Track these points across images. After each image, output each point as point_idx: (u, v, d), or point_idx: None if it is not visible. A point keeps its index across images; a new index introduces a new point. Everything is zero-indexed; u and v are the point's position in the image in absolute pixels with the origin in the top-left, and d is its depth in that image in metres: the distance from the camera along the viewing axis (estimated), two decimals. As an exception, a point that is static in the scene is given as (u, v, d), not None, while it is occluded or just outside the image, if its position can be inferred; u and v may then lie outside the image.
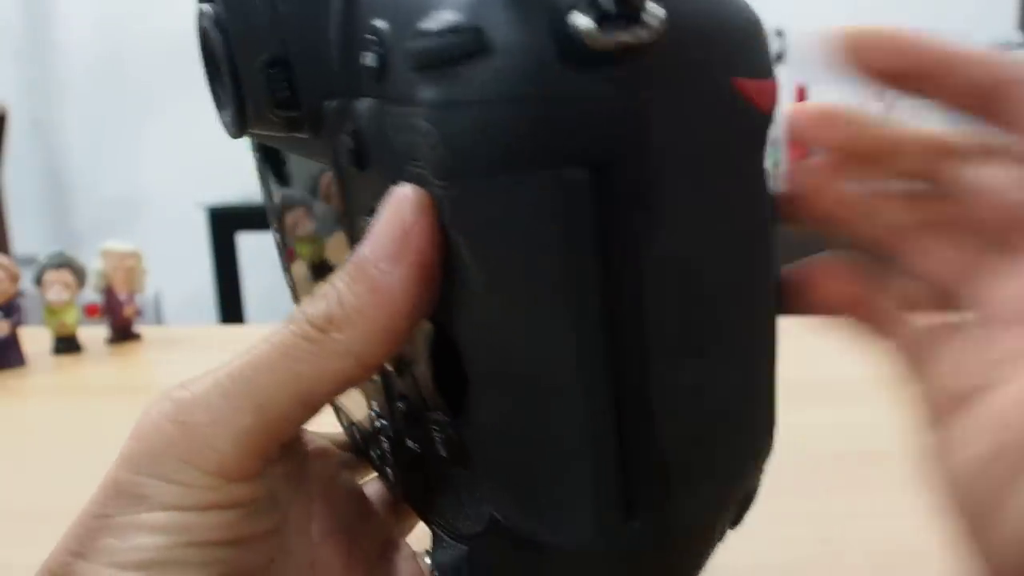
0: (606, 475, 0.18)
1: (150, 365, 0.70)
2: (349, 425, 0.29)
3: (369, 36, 0.18)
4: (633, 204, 0.16)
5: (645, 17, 0.15)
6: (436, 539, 0.23)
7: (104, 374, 0.67)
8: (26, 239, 1.94)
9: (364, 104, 0.18)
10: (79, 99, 2.12)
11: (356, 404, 0.27)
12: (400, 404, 0.22)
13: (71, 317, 0.70)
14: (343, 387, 0.20)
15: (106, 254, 0.73)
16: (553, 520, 0.19)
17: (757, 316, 0.19)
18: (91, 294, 0.74)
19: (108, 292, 0.72)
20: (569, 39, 0.15)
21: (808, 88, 1.87)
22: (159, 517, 0.19)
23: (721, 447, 0.19)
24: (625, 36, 0.15)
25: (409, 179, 0.17)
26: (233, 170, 1.89)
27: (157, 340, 0.75)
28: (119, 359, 0.70)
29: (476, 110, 0.15)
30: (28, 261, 0.84)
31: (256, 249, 1.87)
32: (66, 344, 0.70)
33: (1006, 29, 1.78)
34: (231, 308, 1.63)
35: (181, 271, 1.76)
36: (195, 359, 0.72)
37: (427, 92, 0.16)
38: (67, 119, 2.14)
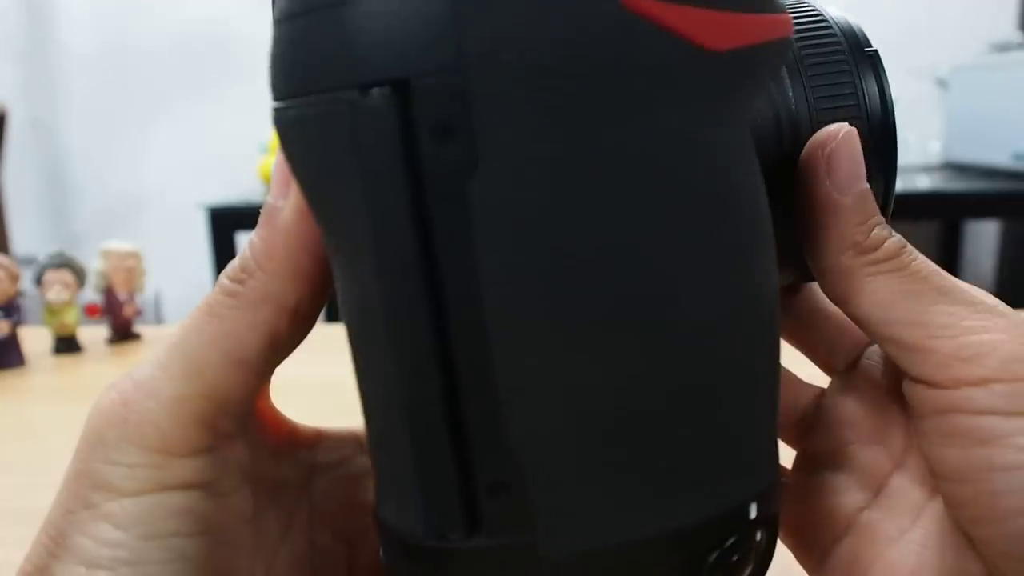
0: (432, 463, 0.15)
1: (150, 365, 0.70)
2: None
3: None
4: (449, 133, 0.13)
5: None
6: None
7: (104, 374, 0.67)
8: (26, 239, 1.94)
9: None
10: (79, 99, 2.12)
11: None
12: None
13: (71, 317, 0.70)
14: (271, 338, 0.19)
15: (106, 254, 0.73)
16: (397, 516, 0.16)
17: (699, 316, 0.15)
18: (91, 294, 0.74)
19: (108, 292, 0.72)
20: None
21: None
22: (116, 506, 0.19)
23: (632, 455, 0.15)
24: None
25: None
26: (233, 170, 1.90)
27: (157, 340, 0.75)
28: (119, 359, 0.70)
29: (287, 28, 0.14)
30: (28, 261, 0.84)
31: (256, 249, 1.87)
32: (66, 344, 0.70)
33: (1006, 29, 1.78)
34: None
35: (181, 271, 1.76)
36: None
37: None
38: (67, 119, 2.14)
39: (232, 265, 0.19)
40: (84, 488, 0.19)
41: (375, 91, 0.13)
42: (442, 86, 0.12)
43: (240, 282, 0.19)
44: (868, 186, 0.21)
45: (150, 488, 0.19)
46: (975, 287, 0.21)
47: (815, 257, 0.21)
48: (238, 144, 1.82)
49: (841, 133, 0.21)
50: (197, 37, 2.03)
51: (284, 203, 0.19)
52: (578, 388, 0.14)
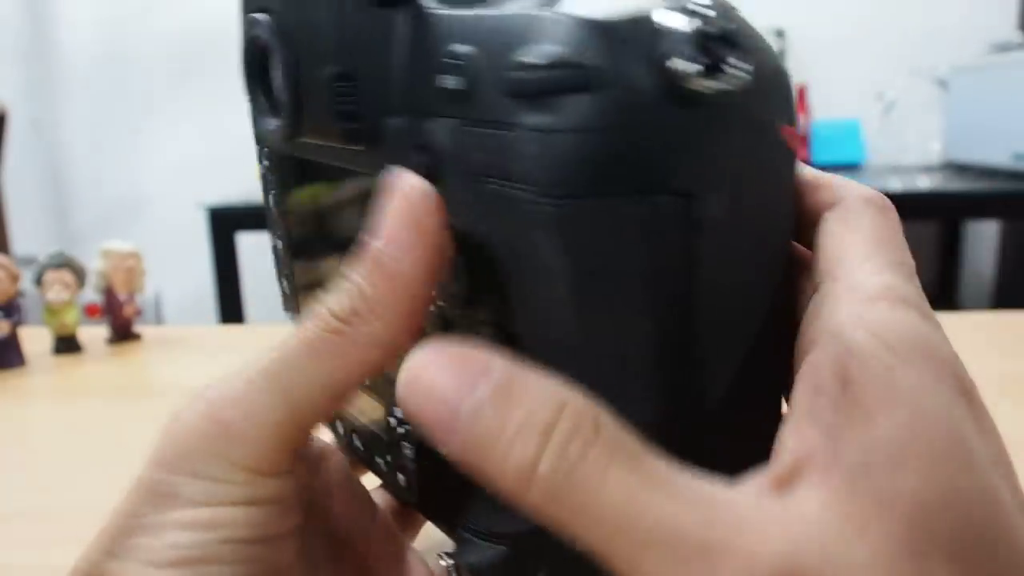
0: None
1: (150, 365, 0.70)
2: (346, 433, 0.29)
3: (450, 60, 0.19)
4: (706, 230, 0.18)
5: (731, 69, 0.17)
6: (465, 543, 0.23)
7: (104, 374, 0.67)
8: (26, 239, 1.94)
9: (439, 123, 0.19)
10: (79, 99, 2.12)
11: (361, 411, 0.27)
12: None
13: (71, 317, 0.70)
14: (369, 376, 0.20)
15: (106, 254, 0.73)
16: None
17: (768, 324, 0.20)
18: (91, 294, 0.74)
19: (108, 292, 0.72)
20: (668, 80, 0.17)
21: (808, 88, 1.87)
22: (192, 514, 0.19)
23: None
24: (717, 84, 0.17)
25: (487, 194, 0.18)
26: (233, 170, 1.89)
27: (157, 340, 0.75)
28: (119, 359, 0.70)
29: (579, 138, 0.17)
30: (28, 261, 0.84)
31: (256, 249, 1.87)
32: (66, 344, 0.70)
33: (1006, 29, 1.78)
34: (231, 308, 1.63)
35: (181, 271, 1.76)
36: (195, 359, 0.73)
37: (532, 118, 0.17)
38: (67, 119, 2.14)
39: (339, 304, 0.20)
40: (157, 495, 0.19)
41: (666, 198, 0.17)
42: (714, 199, 0.18)
43: (348, 323, 0.19)
44: (478, 396, 0.16)
45: (234, 502, 0.19)
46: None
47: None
48: (238, 144, 1.82)
49: (407, 378, 0.17)
50: (197, 38, 2.03)
51: (406, 257, 0.19)
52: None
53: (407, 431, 0.25)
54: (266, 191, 0.30)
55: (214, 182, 1.76)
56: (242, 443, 0.19)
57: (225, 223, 1.61)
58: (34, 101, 2.11)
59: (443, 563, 0.25)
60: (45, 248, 0.74)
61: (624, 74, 0.17)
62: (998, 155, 1.47)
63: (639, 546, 0.15)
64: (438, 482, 0.24)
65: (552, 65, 0.17)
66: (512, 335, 0.20)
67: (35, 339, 0.70)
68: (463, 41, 0.19)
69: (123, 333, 0.73)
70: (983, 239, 1.97)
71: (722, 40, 0.17)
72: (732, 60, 0.17)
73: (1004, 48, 1.61)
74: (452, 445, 0.16)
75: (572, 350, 0.19)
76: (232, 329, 1.12)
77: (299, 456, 0.21)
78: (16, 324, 0.67)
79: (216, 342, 0.77)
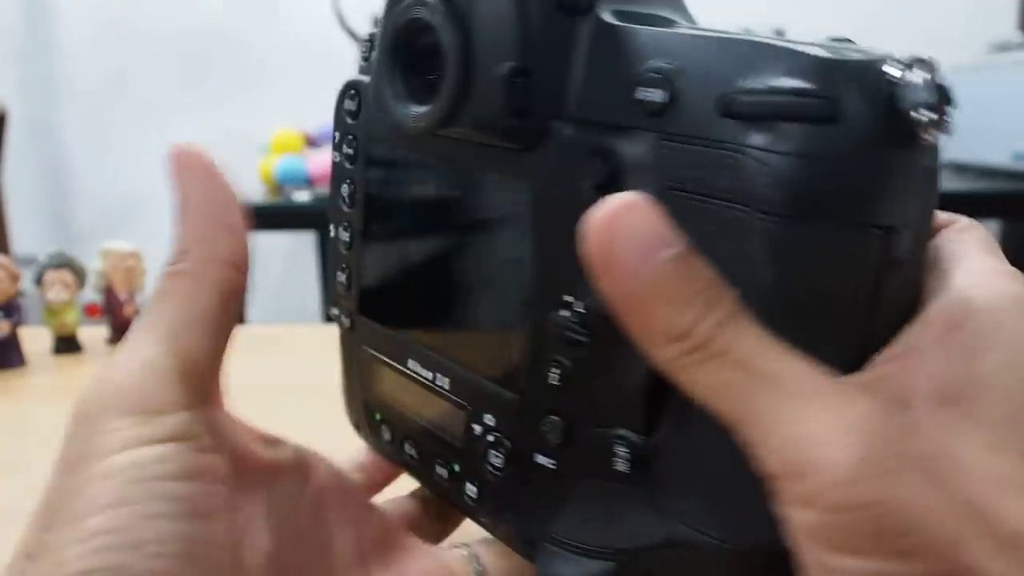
0: None
1: (150, 365, 0.70)
2: (395, 439, 0.30)
3: (653, 75, 0.20)
4: (894, 263, 0.19)
5: (947, 120, 0.18)
6: (553, 555, 0.24)
7: (104, 374, 0.67)
8: (26, 239, 1.94)
9: (631, 135, 0.20)
10: (79, 99, 2.12)
11: (428, 418, 0.28)
12: (554, 420, 0.23)
13: (71, 317, 0.70)
14: (221, 294, 0.22)
15: (106, 254, 0.73)
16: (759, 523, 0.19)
17: None
18: (91, 294, 0.74)
19: (108, 292, 0.72)
20: (900, 123, 0.18)
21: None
22: (106, 464, 0.20)
23: None
24: (938, 133, 0.18)
25: (689, 207, 0.19)
26: (233, 170, 1.89)
27: (157, 340, 0.74)
28: (119, 359, 0.70)
29: (810, 164, 0.18)
30: (28, 261, 0.84)
31: (256, 249, 1.87)
32: (66, 344, 0.70)
33: (1006, 29, 1.78)
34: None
35: (181, 271, 1.76)
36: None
37: (762, 140, 0.18)
38: (67, 119, 2.14)
39: (169, 258, 0.23)
40: (72, 463, 0.20)
41: (874, 230, 0.19)
42: (907, 236, 0.19)
43: (180, 262, 0.23)
44: (666, 256, 0.18)
45: (135, 443, 0.20)
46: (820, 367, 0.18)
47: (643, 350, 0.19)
48: (238, 144, 1.82)
49: (610, 212, 0.18)
50: (197, 37, 2.03)
51: (184, 195, 0.23)
52: None
53: (497, 439, 0.25)
54: (340, 179, 0.30)
55: (214, 182, 1.76)
56: (131, 387, 0.21)
57: (225, 223, 1.60)
58: (34, 101, 2.11)
59: (464, 553, 0.27)
60: (45, 248, 0.74)
61: (859, 111, 0.18)
62: (998, 155, 1.47)
63: (771, 403, 0.17)
64: (526, 492, 0.25)
65: (790, 93, 0.18)
66: None
67: (35, 339, 0.70)
68: (668, 58, 0.20)
69: (123, 333, 0.73)
70: (983, 239, 1.97)
71: (944, 92, 0.18)
72: (948, 112, 0.18)
73: (1004, 48, 1.61)
74: (625, 284, 0.18)
75: None
76: (232, 329, 1.12)
77: (200, 395, 0.22)
78: (16, 324, 0.67)
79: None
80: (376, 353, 0.30)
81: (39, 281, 0.71)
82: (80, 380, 0.65)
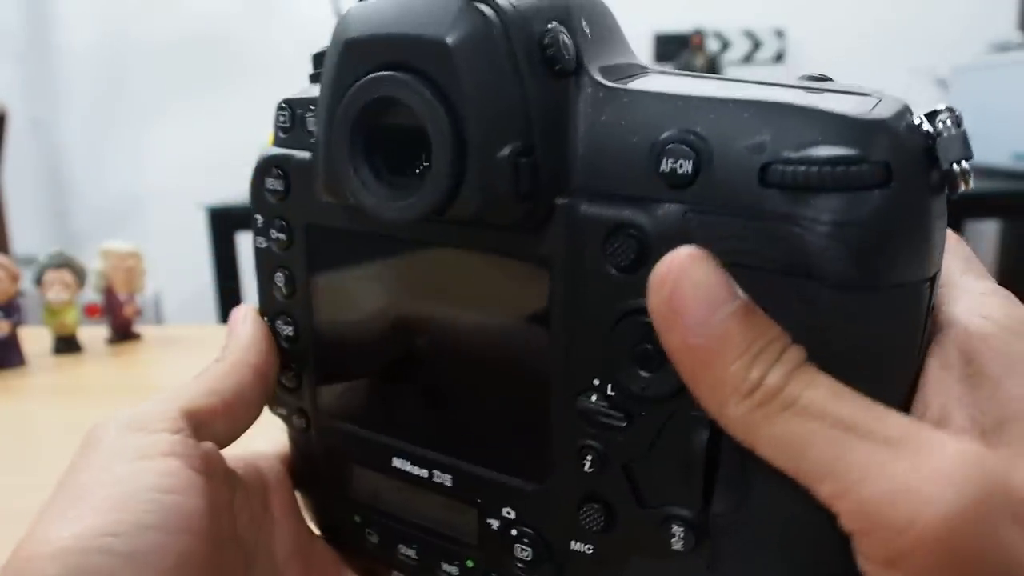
0: None
1: (150, 365, 0.70)
2: (385, 540, 0.27)
3: (676, 145, 0.18)
4: (932, 305, 0.20)
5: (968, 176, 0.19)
6: None
7: (104, 374, 0.67)
8: (26, 239, 1.94)
9: (655, 207, 0.19)
10: (79, 99, 2.12)
11: (432, 517, 0.26)
12: (594, 507, 0.22)
13: (71, 317, 0.70)
14: (237, 385, 0.26)
15: (106, 254, 0.73)
16: None
17: None
18: (91, 294, 0.74)
19: (108, 292, 0.72)
20: (942, 175, 0.18)
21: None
22: (113, 471, 0.22)
23: None
24: (969, 177, 0.19)
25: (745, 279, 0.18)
26: (233, 170, 1.89)
27: (157, 340, 0.75)
28: (119, 359, 0.70)
29: (877, 232, 0.17)
30: (28, 261, 0.84)
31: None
32: (66, 344, 0.70)
33: (1006, 29, 1.78)
34: (231, 308, 1.63)
35: (181, 271, 1.76)
36: (195, 359, 0.72)
37: (813, 212, 0.17)
38: (67, 119, 2.14)
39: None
40: (77, 469, 0.22)
41: (926, 283, 0.19)
42: (936, 279, 0.19)
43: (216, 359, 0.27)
44: (732, 308, 0.17)
45: (134, 454, 0.22)
46: (890, 409, 0.17)
47: (708, 410, 0.18)
48: (238, 144, 1.82)
49: (676, 266, 0.18)
50: (197, 37, 2.03)
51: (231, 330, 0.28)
52: None
53: (521, 531, 0.24)
54: (271, 267, 0.27)
55: (214, 182, 1.76)
56: (131, 415, 0.24)
57: (225, 223, 1.60)
58: (34, 101, 2.11)
59: None
60: (45, 248, 0.74)
61: (909, 172, 0.18)
62: (998, 155, 1.47)
63: (845, 463, 0.16)
64: None
65: (840, 161, 0.17)
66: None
67: (35, 339, 0.70)
68: (690, 124, 0.19)
69: (123, 333, 0.73)
70: (983, 239, 1.97)
71: (967, 140, 0.18)
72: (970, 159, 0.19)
73: (1004, 48, 1.61)
74: (693, 338, 0.18)
75: None
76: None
77: (196, 428, 0.24)
78: (16, 324, 0.67)
79: (216, 342, 0.76)
80: (349, 455, 0.27)
81: (39, 281, 0.71)
82: (80, 380, 0.65)
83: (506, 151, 0.19)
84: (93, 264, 0.73)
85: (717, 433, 0.19)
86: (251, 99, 1.98)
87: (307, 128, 0.25)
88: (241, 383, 0.26)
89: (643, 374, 0.20)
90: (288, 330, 0.27)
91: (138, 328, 0.75)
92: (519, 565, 0.24)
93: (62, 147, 2.15)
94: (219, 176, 1.84)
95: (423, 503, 0.26)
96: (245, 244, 1.68)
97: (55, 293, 0.69)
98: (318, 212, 0.25)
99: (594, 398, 0.21)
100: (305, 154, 0.25)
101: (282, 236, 0.26)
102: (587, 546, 0.23)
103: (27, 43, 2.12)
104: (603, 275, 0.20)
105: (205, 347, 0.73)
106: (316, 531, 0.30)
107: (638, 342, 0.20)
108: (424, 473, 0.25)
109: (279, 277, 0.27)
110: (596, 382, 0.21)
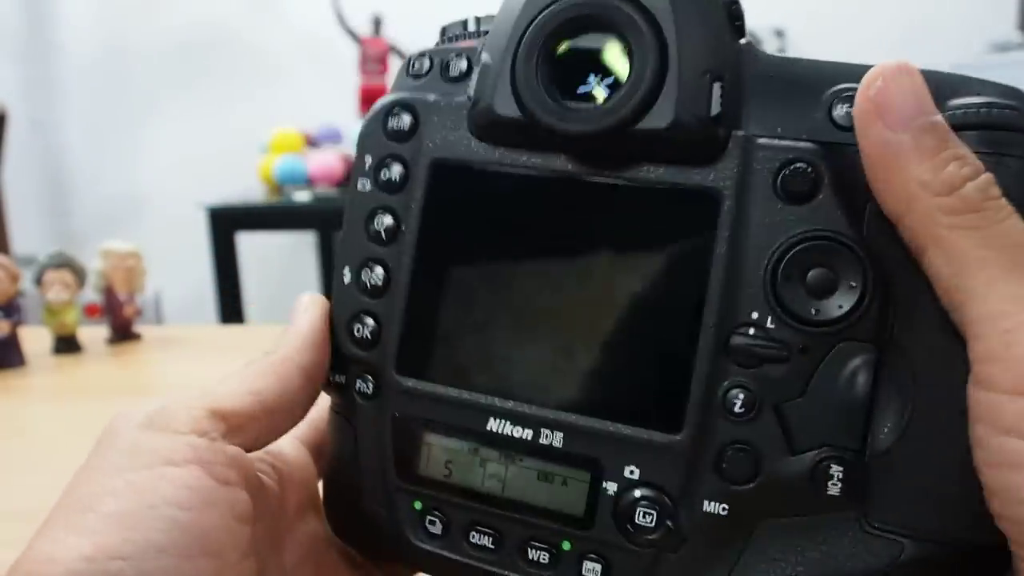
0: None
1: (150, 365, 0.70)
2: (454, 532, 0.25)
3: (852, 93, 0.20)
4: None
5: None
6: None
7: (104, 374, 0.67)
8: (26, 239, 1.94)
9: (829, 149, 0.21)
10: (79, 99, 2.12)
11: (523, 488, 0.24)
12: (740, 452, 0.21)
13: (71, 317, 0.70)
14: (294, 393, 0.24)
15: (106, 254, 0.73)
16: None
17: None
18: (91, 294, 0.74)
19: (108, 292, 0.72)
20: None
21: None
22: (128, 477, 0.20)
23: None
24: None
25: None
26: (233, 170, 1.89)
27: (157, 340, 0.75)
28: (119, 359, 0.70)
29: None
30: (28, 261, 0.84)
31: (256, 249, 1.87)
32: (66, 344, 0.70)
33: (1006, 29, 1.78)
34: (231, 308, 1.63)
35: (181, 271, 1.76)
36: (195, 359, 0.73)
37: (995, 144, 0.19)
38: (67, 119, 2.14)
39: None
40: (91, 471, 0.21)
41: None
42: None
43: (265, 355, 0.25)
44: (939, 120, 0.19)
45: (150, 458, 0.21)
46: None
47: (888, 208, 0.19)
48: (238, 144, 1.82)
49: (888, 69, 0.19)
50: (197, 37, 2.03)
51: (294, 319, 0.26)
52: None
53: (645, 493, 0.22)
54: (371, 209, 0.26)
55: (214, 182, 1.76)
56: (153, 413, 0.22)
57: (225, 223, 1.61)
58: (34, 101, 2.11)
59: None
60: (45, 248, 0.74)
61: None
62: (998, 155, 1.46)
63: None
64: (680, 557, 0.22)
65: (1004, 107, 0.20)
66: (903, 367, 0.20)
67: (35, 339, 0.70)
68: (855, 82, 0.20)
69: (123, 333, 0.73)
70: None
71: None
72: None
73: (1004, 48, 1.61)
74: (895, 128, 0.19)
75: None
76: (232, 329, 1.12)
77: (221, 429, 0.22)
78: (16, 324, 0.67)
79: (216, 342, 0.77)
80: (428, 421, 0.25)
81: (39, 281, 0.71)
82: (80, 380, 0.65)
83: (704, 74, 0.21)
84: (93, 264, 0.73)
85: (879, 365, 0.20)
86: (251, 99, 1.99)
87: (449, 74, 0.25)
88: (287, 385, 0.24)
89: (812, 300, 0.21)
90: (377, 278, 0.25)
91: (138, 328, 0.75)
92: (635, 535, 0.22)
93: (62, 147, 2.15)
94: (219, 176, 1.84)
95: (516, 475, 0.24)
96: (245, 244, 1.68)
97: (55, 293, 0.69)
98: (453, 149, 0.25)
99: (752, 331, 0.21)
100: (438, 96, 0.25)
101: (396, 176, 0.25)
102: (721, 506, 0.21)
103: (27, 43, 2.12)
104: (773, 206, 0.21)
105: (205, 347, 0.74)
106: (333, 534, 0.28)
107: (808, 268, 0.21)
108: (527, 434, 0.23)
109: (380, 220, 0.26)
110: (755, 315, 0.21)
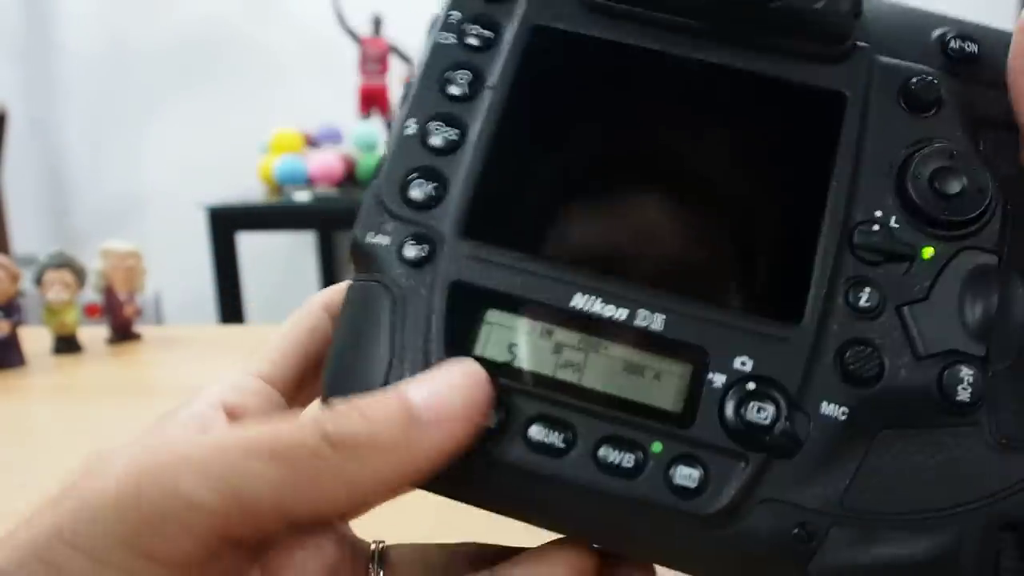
0: None
1: (150, 365, 0.70)
2: (513, 427, 0.20)
3: (961, 34, 0.24)
4: None
5: None
6: (844, 541, 0.19)
7: (104, 374, 0.67)
8: (26, 239, 1.94)
9: (943, 74, 0.23)
10: (79, 99, 2.12)
11: (609, 376, 0.20)
12: (864, 350, 0.20)
13: (71, 317, 0.70)
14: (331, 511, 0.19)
15: (106, 254, 0.73)
16: None
17: None
18: (91, 294, 0.74)
19: (108, 292, 0.72)
20: None
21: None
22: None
23: None
24: None
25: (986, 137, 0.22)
26: (233, 170, 1.89)
27: (157, 340, 0.75)
28: (119, 359, 0.70)
29: None
30: (28, 261, 0.84)
31: (256, 249, 1.87)
32: (66, 344, 0.70)
33: (1006, 29, 1.78)
34: (231, 308, 1.63)
35: (181, 271, 1.76)
36: (195, 359, 0.73)
37: None
38: (67, 119, 2.14)
39: (337, 426, 0.18)
40: (47, 566, 0.18)
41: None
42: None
43: (335, 449, 0.18)
44: None
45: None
46: None
47: None
48: (238, 144, 1.82)
49: None
50: (197, 37, 2.03)
51: (437, 426, 0.18)
52: None
53: (759, 388, 0.19)
54: (449, 64, 0.24)
55: (214, 182, 1.76)
56: (159, 530, 0.17)
57: (225, 223, 1.61)
58: (34, 101, 2.11)
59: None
60: (45, 248, 0.74)
61: None
62: (998, 155, 1.46)
63: None
64: (798, 462, 0.19)
65: None
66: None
67: (35, 339, 0.70)
68: (958, 27, 0.24)
69: (123, 333, 0.73)
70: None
71: None
72: None
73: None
74: None
75: None
76: (232, 329, 1.12)
77: (235, 546, 0.18)
78: (16, 324, 0.67)
79: (216, 342, 0.77)
80: (494, 292, 0.21)
81: (39, 281, 0.71)
82: (80, 380, 0.65)
83: None
84: (93, 264, 0.73)
85: (1005, 269, 0.20)
86: (251, 99, 1.99)
87: None
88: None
89: (941, 201, 0.21)
90: (450, 133, 0.23)
91: (138, 328, 0.75)
92: (745, 435, 0.19)
93: (62, 147, 2.15)
94: (219, 176, 1.84)
95: (597, 364, 0.20)
96: (245, 244, 1.68)
97: (55, 293, 0.69)
98: (558, 17, 0.23)
99: (876, 228, 0.21)
100: None
101: (486, 34, 0.23)
102: (841, 408, 0.19)
103: (27, 43, 2.12)
104: (897, 114, 0.22)
105: (205, 347, 0.74)
106: None
107: (937, 170, 0.21)
108: (622, 314, 0.20)
109: (460, 75, 0.23)
110: (879, 214, 0.21)
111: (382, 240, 0.22)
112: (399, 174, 0.22)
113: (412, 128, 0.23)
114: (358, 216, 0.22)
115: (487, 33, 0.23)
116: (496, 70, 0.23)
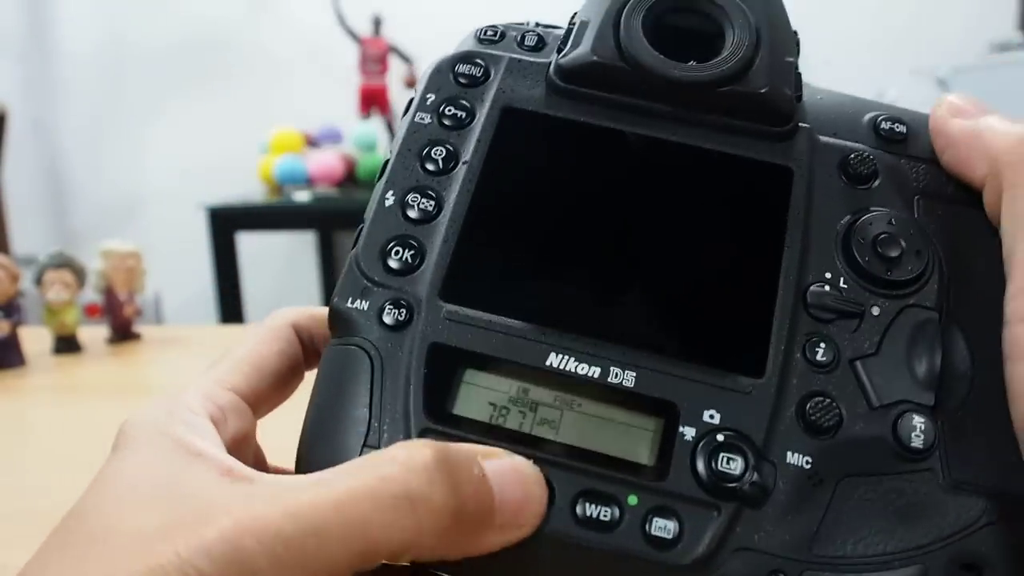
0: None
1: (150, 365, 0.70)
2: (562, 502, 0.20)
3: (889, 117, 0.25)
4: None
5: None
6: None
7: (104, 374, 0.67)
8: (26, 239, 1.94)
9: (877, 153, 0.25)
10: (79, 99, 2.12)
11: (583, 433, 0.21)
12: (823, 401, 0.21)
13: (71, 317, 0.70)
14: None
15: (106, 254, 0.73)
16: None
17: None
18: (91, 294, 0.74)
19: (108, 292, 0.72)
20: None
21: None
22: None
23: None
24: None
25: (924, 207, 0.24)
26: (233, 170, 1.89)
27: (157, 340, 0.75)
28: (119, 359, 0.70)
29: None
30: (28, 261, 0.84)
31: (256, 249, 1.87)
32: (66, 344, 0.70)
33: (1006, 29, 1.78)
34: (231, 308, 1.63)
35: (181, 271, 1.76)
36: (195, 359, 0.73)
37: None
38: (67, 119, 2.14)
39: (444, 499, 0.18)
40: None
41: None
42: None
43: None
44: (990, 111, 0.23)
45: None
46: None
47: (970, 175, 0.23)
48: (238, 144, 1.82)
49: (943, 98, 0.24)
50: (197, 37, 2.03)
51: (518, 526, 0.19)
52: None
53: (729, 438, 0.20)
54: (426, 142, 0.25)
55: (214, 182, 1.76)
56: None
57: (225, 223, 1.61)
58: (34, 101, 2.11)
59: None
60: (45, 248, 0.74)
61: None
62: (998, 155, 1.46)
63: None
64: (768, 510, 0.20)
65: None
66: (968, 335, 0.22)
67: (35, 339, 0.70)
68: (887, 110, 0.26)
69: (123, 333, 0.73)
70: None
71: None
72: None
73: (1004, 48, 1.61)
74: (970, 118, 0.23)
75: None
76: (232, 329, 1.12)
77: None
78: (16, 324, 0.67)
79: (216, 342, 0.77)
80: (472, 353, 0.22)
81: (39, 281, 0.71)
82: (80, 380, 0.65)
83: (786, 59, 0.25)
84: (93, 264, 0.73)
85: (945, 324, 0.22)
86: (251, 100, 1.99)
87: (525, 43, 0.27)
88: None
89: (883, 263, 0.23)
90: (426, 204, 0.24)
91: (138, 328, 0.75)
92: (716, 485, 0.20)
93: (62, 147, 2.15)
94: (219, 176, 1.84)
95: (572, 420, 0.21)
96: (245, 244, 1.68)
97: (55, 293, 0.69)
98: (527, 100, 0.26)
99: (827, 288, 0.23)
100: (514, 55, 0.27)
101: (461, 116, 0.26)
102: (805, 458, 0.20)
103: (27, 43, 2.12)
104: (839, 186, 0.24)
105: (205, 347, 0.74)
106: None
107: (878, 235, 0.23)
108: (594, 372, 0.21)
109: (437, 151, 0.25)
110: (828, 275, 0.23)
111: (361, 305, 0.23)
112: (378, 243, 0.24)
113: (391, 200, 0.24)
114: (337, 284, 0.24)
115: (461, 114, 0.26)
116: (470, 147, 0.25)
